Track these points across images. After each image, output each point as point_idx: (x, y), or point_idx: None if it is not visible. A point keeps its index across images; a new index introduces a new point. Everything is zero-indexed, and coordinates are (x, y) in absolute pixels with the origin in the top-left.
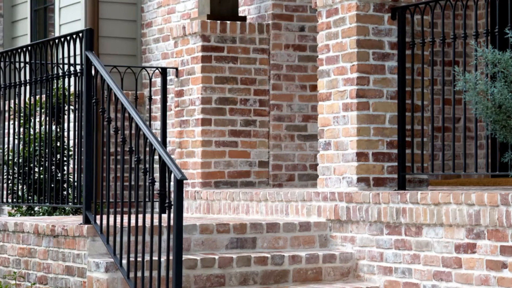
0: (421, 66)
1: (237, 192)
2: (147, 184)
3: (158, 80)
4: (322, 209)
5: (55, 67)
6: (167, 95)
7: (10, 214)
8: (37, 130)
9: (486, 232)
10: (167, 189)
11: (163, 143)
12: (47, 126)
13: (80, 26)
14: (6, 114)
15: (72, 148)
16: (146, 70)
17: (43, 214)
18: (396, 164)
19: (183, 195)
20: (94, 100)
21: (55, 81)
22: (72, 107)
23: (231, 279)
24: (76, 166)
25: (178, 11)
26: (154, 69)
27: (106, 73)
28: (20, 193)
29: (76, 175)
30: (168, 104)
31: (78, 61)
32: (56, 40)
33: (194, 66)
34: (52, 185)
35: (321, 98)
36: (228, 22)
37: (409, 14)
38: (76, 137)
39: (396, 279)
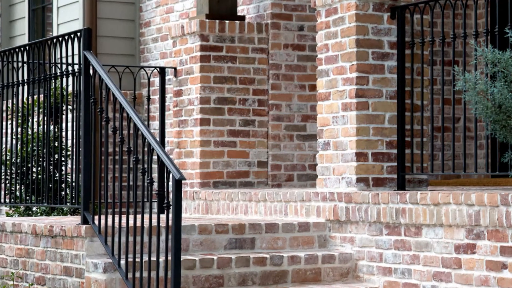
0: (421, 65)
1: (236, 192)
2: (146, 184)
3: (156, 80)
4: (321, 209)
5: (53, 67)
6: (166, 95)
7: (8, 215)
8: (35, 130)
9: (486, 232)
10: (165, 189)
11: (162, 143)
12: (45, 126)
13: (78, 25)
14: (4, 114)
15: (70, 148)
16: (145, 70)
17: (41, 215)
18: (395, 164)
19: (182, 195)
20: (92, 100)
21: (53, 80)
22: (70, 107)
23: (230, 280)
24: (74, 166)
25: (176, 11)
26: (153, 68)
27: (104, 72)
28: (18, 193)
29: (74, 175)
30: (166, 104)
31: (76, 60)
32: (54, 40)
33: (192, 66)
34: (50, 185)
35: (320, 98)
36: (227, 21)
37: (409, 13)
38: (74, 137)
39: (395, 280)
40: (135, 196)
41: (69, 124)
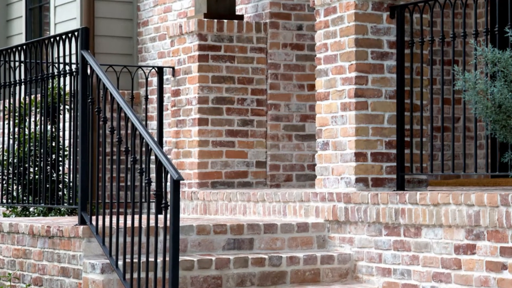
0: (420, 65)
1: (234, 192)
2: (144, 184)
3: (154, 80)
4: (320, 209)
5: (50, 66)
6: (164, 95)
7: (4, 215)
8: (32, 130)
9: (486, 233)
10: (163, 190)
11: (160, 143)
12: (42, 126)
13: (75, 24)
14: (1, 114)
15: (67, 148)
16: (143, 69)
17: (38, 215)
18: (395, 164)
19: (180, 196)
20: (89, 100)
21: (50, 80)
22: (67, 107)
23: (228, 281)
24: (71, 166)
25: (174, 10)
26: (151, 68)
27: (101, 72)
28: (15, 193)
29: (71, 175)
30: (164, 103)
31: (73, 60)
32: (52, 39)
33: (190, 65)
34: (47, 186)
35: (319, 97)
36: (225, 21)
37: (408, 12)
38: (72, 137)
39: (395, 281)
40: (133, 197)
41: (67, 124)
